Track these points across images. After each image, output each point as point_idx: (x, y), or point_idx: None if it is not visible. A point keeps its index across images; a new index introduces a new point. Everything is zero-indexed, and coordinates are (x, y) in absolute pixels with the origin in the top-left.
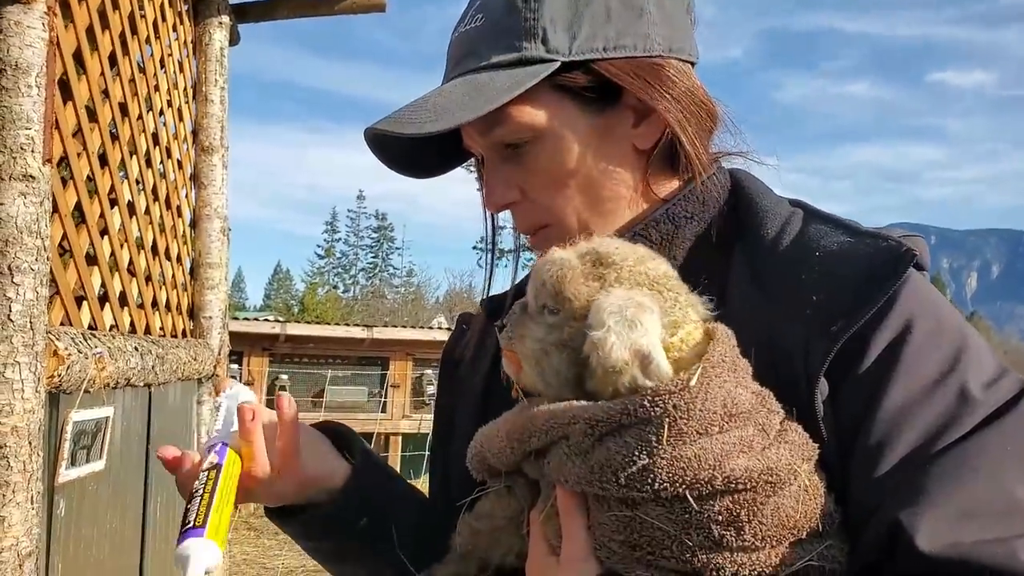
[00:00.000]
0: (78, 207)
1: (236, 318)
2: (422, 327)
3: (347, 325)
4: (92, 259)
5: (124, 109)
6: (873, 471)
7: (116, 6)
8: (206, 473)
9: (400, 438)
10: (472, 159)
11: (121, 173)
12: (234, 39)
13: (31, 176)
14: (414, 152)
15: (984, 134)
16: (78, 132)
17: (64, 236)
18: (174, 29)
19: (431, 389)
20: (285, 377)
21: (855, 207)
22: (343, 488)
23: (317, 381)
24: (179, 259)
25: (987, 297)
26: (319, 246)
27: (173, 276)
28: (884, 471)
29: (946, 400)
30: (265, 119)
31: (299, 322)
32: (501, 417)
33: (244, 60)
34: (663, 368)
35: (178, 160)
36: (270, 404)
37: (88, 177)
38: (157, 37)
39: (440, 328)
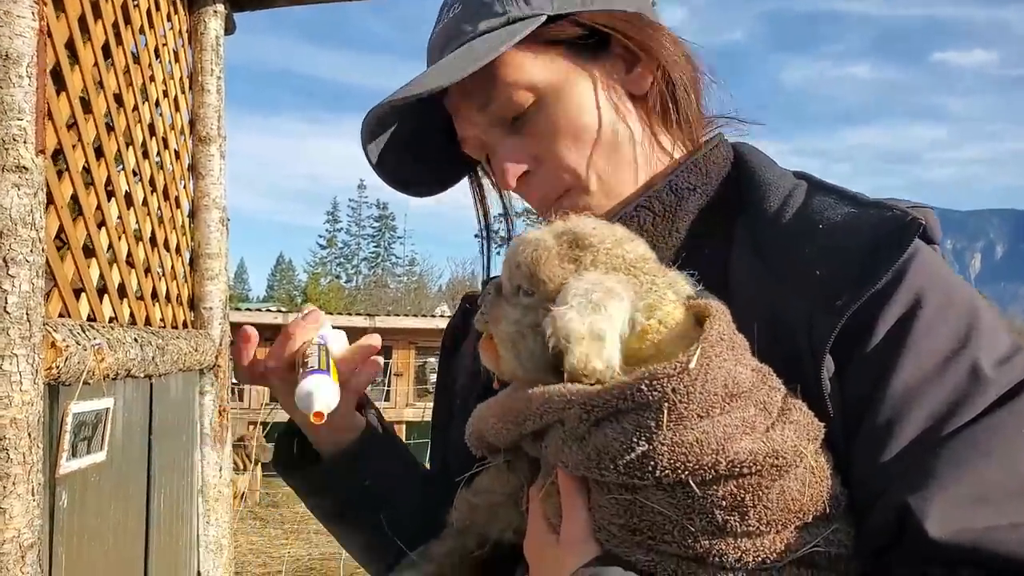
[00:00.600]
0: (75, 199)
1: (239, 309)
2: (425, 316)
3: (350, 315)
4: (90, 251)
5: (119, 100)
6: (881, 453)
7: None
8: (316, 348)
9: (404, 426)
10: (469, 177)
11: (118, 164)
12: (230, 28)
13: (24, 167)
14: (414, 170)
15: (985, 114)
16: (73, 123)
17: (61, 228)
18: (168, 18)
19: (434, 377)
20: None
21: (857, 189)
22: (360, 442)
23: None
24: (178, 250)
25: (991, 278)
26: (321, 236)
27: (172, 267)
28: (893, 453)
29: (956, 379)
30: (264, 110)
31: None
32: (497, 395)
33: (241, 50)
34: (614, 358)
35: (175, 150)
36: (273, 395)
37: (84, 168)
38: (151, 26)
39: (443, 316)
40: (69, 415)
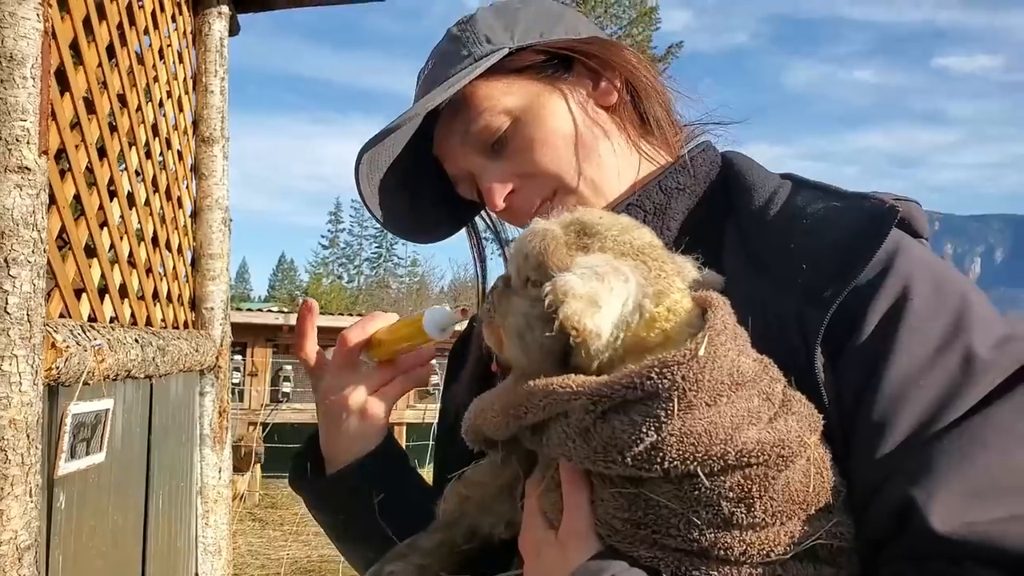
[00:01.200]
0: (77, 199)
1: (240, 309)
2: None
3: (351, 315)
4: (91, 251)
5: (123, 100)
6: (878, 446)
7: None
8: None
9: (404, 428)
10: (468, 225)
11: (121, 165)
12: (234, 29)
13: (27, 168)
14: (416, 216)
15: (988, 118)
16: (76, 124)
17: (63, 228)
18: (173, 19)
19: (435, 379)
20: (289, 368)
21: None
22: (375, 455)
23: None
24: (180, 250)
25: (991, 283)
26: (323, 236)
27: (174, 267)
28: (890, 447)
29: (950, 369)
30: (267, 111)
31: None
32: (496, 388)
33: (245, 51)
34: (604, 329)
35: (178, 151)
36: (273, 396)
37: (87, 169)
38: (156, 27)
39: None
40: (68, 416)
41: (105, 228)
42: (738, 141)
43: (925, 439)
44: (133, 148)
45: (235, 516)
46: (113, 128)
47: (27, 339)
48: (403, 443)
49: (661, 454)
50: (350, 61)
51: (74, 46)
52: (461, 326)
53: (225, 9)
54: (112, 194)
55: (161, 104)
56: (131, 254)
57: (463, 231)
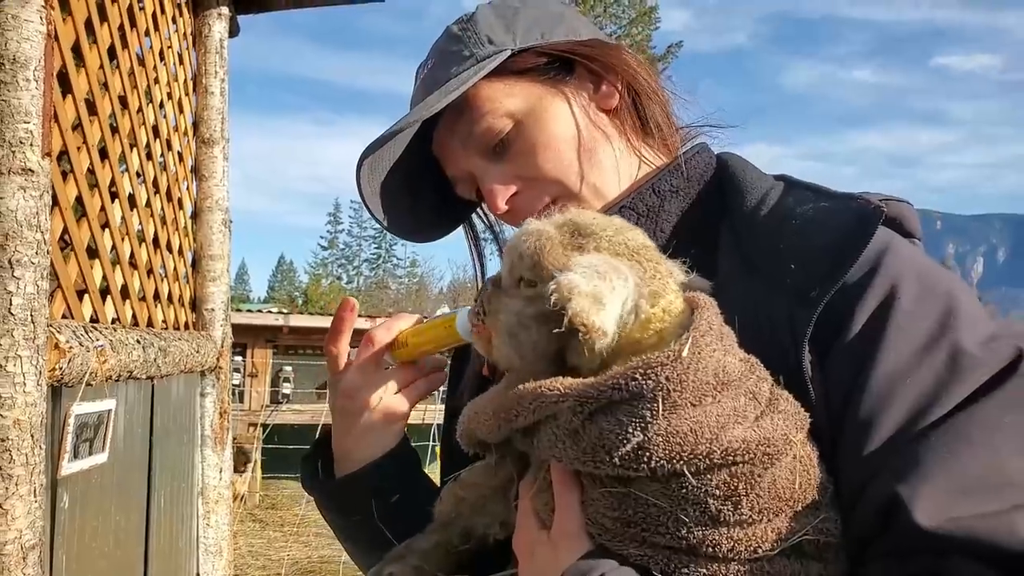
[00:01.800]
0: (79, 200)
1: (239, 310)
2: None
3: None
4: (93, 252)
5: (124, 102)
6: (865, 443)
7: None
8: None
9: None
10: (464, 224)
11: (122, 166)
12: (234, 31)
13: (30, 170)
14: (415, 216)
15: (988, 118)
16: (78, 125)
17: (65, 230)
18: (173, 21)
19: None
20: (289, 369)
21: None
22: (391, 456)
23: (321, 373)
24: (180, 252)
25: (993, 282)
26: (322, 237)
27: (175, 269)
28: (877, 444)
29: (937, 365)
30: (267, 111)
31: (303, 314)
32: (489, 391)
33: (245, 52)
34: (609, 326)
35: (179, 152)
36: (274, 397)
37: (88, 170)
38: (156, 29)
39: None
40: (71, 416)
41: (107, 229)
42: (736, 142)
43: (911, 436)
44: (134, 149)
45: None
46: (114, 130)
47: (31, 340)
48: None
49: (648, 454)
50: (349, 62)
51: (76, 48)
52: None
53: (225, 11)
54: (114, 195)
55: (162, 105)
56: (132, 255)
57: (460, 231)
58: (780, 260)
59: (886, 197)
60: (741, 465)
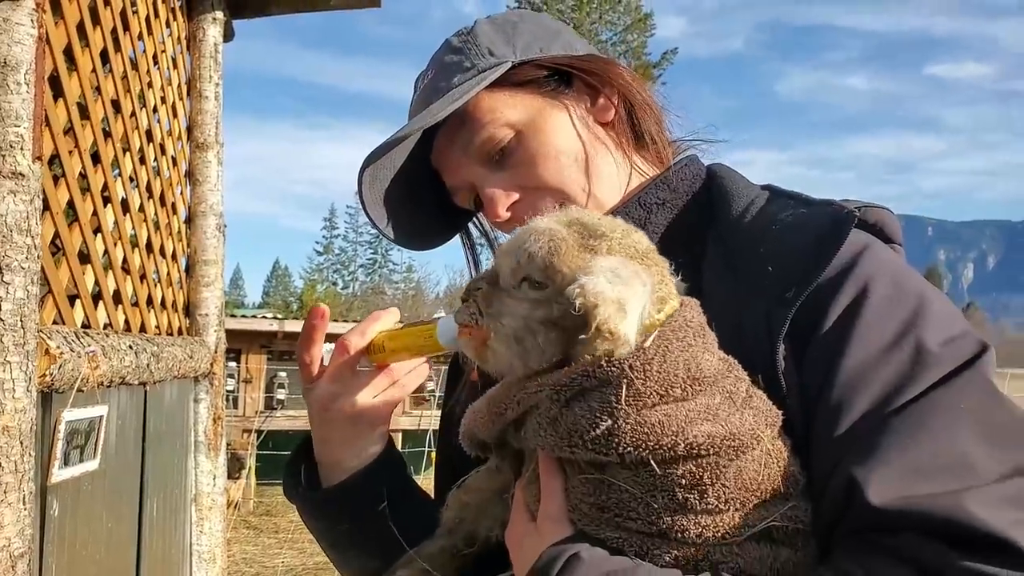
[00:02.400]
0: (71, 205)
1: (234, 316)
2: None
3: (346, 321)
4: (85, 257)
5: (117, 106)
6: (832, 432)
7: (107, 3)
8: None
9: (400, 435)
10: (462, 232)
11: (114, 170)
12: (228, 35)
13: (21, 174)
14: (414, 224)
15: (980, 125)
16: (70, 130)
17: (56, 234)
18: (167, 25)
19: (431, 385)
20: (284, 374)
21: (859, 198)
22: (378, 462)
23: None
24: (174, 256)
25: (983, 288)
26: (318, 243)
27: (168, 274)
28: (841, 431)
29: (901, 360)
30: (263, 116)
31: (298, 319)
32: (487, 392)
33: (240, 56)
34: (631, 333)
35: (172, 157)
36: (268, 403)
37: (80, 174)
38: (150, 33)
39: None
40: (62, 423)
41: (99, 234)
42: (730, 149)
43: (872, 424)
44: (127, 154)
45: (230, 523)
46: (107, 134)
47: (20, 345)
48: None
49: (616, 439)
50: (345, 66)
51: (68, 51)
52: None
53: (219, 15)
54: (106, 200)
55: (155, 110)
56: (125, 260)
57: (457, 238)
58: (761, 263)
59: (866, 204)
60: (707, 457)
